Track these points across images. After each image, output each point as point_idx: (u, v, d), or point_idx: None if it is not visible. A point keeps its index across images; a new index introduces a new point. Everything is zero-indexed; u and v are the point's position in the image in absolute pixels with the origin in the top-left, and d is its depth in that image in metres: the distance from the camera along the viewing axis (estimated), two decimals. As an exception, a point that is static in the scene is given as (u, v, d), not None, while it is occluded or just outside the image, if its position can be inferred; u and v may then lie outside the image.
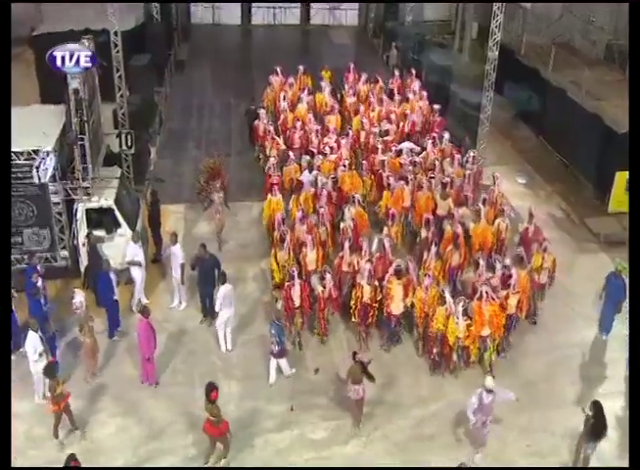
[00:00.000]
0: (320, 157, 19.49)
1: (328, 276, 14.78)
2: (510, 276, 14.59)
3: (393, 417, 13.57)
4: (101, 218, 15.92)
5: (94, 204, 15.92)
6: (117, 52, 18.82)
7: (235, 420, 13.12)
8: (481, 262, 15.08)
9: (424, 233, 16.68)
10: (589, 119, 21.39)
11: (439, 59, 27.59)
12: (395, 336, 15.11)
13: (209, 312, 15.58)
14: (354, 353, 13.13)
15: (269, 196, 17.85)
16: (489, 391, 12.19)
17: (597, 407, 12.10)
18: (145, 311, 13.70)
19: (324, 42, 33.01)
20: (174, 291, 16.19)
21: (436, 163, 19.27)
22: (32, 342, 13.10)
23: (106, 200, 16.01)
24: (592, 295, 16.21)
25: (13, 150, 14.89)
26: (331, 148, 20.10)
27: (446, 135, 20.83)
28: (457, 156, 19.58)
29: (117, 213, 16.03)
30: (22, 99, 19.65)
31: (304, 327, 15.14)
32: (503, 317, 14.21)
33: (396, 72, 25.06)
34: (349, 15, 36.63)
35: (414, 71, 24.64)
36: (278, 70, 24.34)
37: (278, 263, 15.67)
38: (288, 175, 19.19)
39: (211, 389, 11.93)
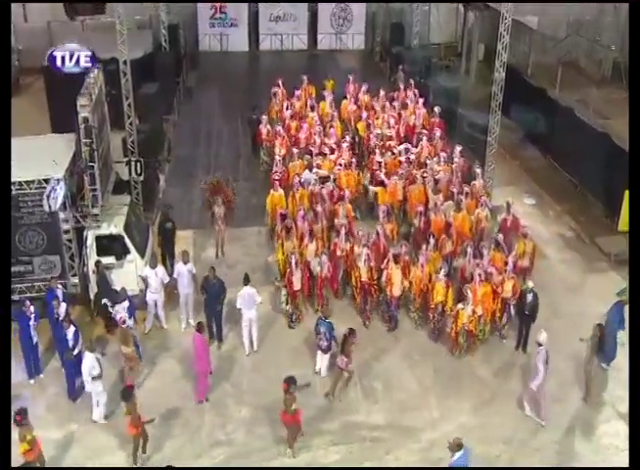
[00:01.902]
0: (320, 157, 20.40)
1: (324, 257, 16.16)
2: (506, 263, 15.88)
3: (404, 441, 13.47)
4: (110, 245, 15.99)
5: (104, 231, 16.04)
6: (127, 81, 19.04)
7: (246, 445, 13.19)
8: (469, 250, 16.37)
9: (416, 223, 18.01)
10: (597, 138, 21.40)
11: (446, 81, 27.75)
12: (395, 317, 16.21)
13: (216, 335, 15.78)
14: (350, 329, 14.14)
15: (272, 191, 18.89)
16: (539, 345, 13.32)
17: (600, 329, 14.04)
18: (200, 327, 13.83)
19: (331, 66, 33.15)
20: (181, 310, 16.27)
21: (428, 162, 20.20)
22: (89, 362, 13.14)
23: (115, 227, 16.12)
24: (604, 315, 16.02)
25: (24, 179, 15.08)
26: (331, 149, 20.96)
27: (438, 132, 21.66)
28: (442, 154, 20.39)
29: (127, 240, 16.13)
30: (33, 128, 19.92)
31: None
32: (494, 299, 15.43)
33: (400, 85, 25.70)
34: (356, 39, 36.90)
35: (412, 82, 25.28)
36: (280, 82, 24.83)
37: (284, 254, 16.55)
38: (292, 171, 20.01)
39: (285, 381, 12.58)
